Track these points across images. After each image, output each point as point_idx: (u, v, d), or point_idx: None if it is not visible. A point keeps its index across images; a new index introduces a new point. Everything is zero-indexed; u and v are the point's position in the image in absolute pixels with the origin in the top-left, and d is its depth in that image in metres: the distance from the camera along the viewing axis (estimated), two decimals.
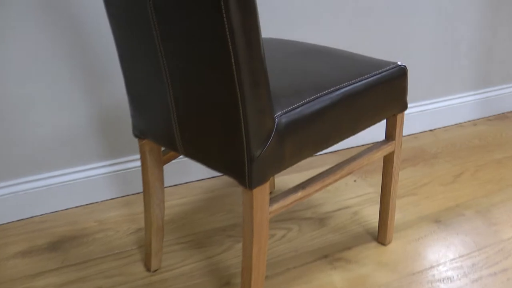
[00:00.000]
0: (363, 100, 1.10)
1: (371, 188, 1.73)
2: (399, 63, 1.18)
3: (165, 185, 1.81)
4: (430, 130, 2.17)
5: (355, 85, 1.08)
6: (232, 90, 0.86)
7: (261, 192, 0.97)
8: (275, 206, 1.02)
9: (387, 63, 1.18)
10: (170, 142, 1.09)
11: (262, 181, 0.95)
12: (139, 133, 1.19)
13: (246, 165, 0.92)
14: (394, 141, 1.26)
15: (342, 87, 1.05)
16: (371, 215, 1.58)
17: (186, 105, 0.99)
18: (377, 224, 1.53)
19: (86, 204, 1.74)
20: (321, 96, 1.02)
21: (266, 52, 1.24)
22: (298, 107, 0.98)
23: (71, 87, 1.58)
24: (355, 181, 1.78)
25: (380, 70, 1.14)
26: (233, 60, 0.83)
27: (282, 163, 0.98)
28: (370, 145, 1.23)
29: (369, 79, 1.11)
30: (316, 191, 1.10)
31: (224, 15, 0.79)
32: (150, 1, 0.91)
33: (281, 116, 0.95)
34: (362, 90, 1.09)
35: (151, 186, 1.26)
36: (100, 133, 1.67)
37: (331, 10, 1.78)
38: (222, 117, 0.91)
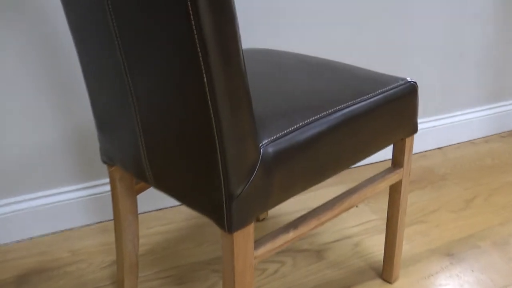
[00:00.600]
0: (367, 124, 0.93)
1: (374, 215, 1.56)
2: (408, 79, 1.02)
3: (147, 209, 1.64)
4: (439, 148, 2.01)
5: (357, 105, 0.91)
6: (205, 114, 0.70)
7: (244, 236, 0.80)
8: (261, 250, 0.86)
9: (394, 78, 1.01)
10: (139, 172, 0.92)
11: (244, 222, 0.79)
12: (107, 158, 1.02)
13: (225, 205, 0.76)
14: (402, 169, 1.09)
15: (342, 108, 0.89)
16: (375, 246, 1.41)
17: (154, 132, 0.82)
18: (381, 258, 1.36)
19: (59, 231, 1.57)
20: (316, 119, 0.85)
21: (249, 66, 1.08)
22: (289, 133, 0.81)
23: (42, 106, 1.42)
24: (356, 206, 1.62)
25: (387, 88, 0.98)
26: (205, 78, 0.67)
27: (268, 201, 0.81)
28: (373, 164, 1.05)
29: (374, 99, 0.94)
30: (311, 229, 0.93)
31: (193, 21, 0.63)
32: (109, 6, 0.75)
33: (268, 145, 0.79)
34: (366, 111, 0.92)
35: (122, 219, 1.10)
36: (75, 154, 1.51)
37: (327, 16, 1.62)
38: (195, 148, 0.75)
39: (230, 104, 0.70)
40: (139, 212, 1.63)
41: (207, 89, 0.68)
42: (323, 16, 1.62)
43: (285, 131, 0.81)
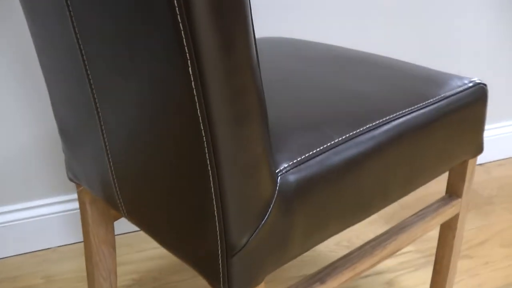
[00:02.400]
0: (425, 141, 0.67)
1: (410, 246, 1.30)
2: (476, 79, 0.76)
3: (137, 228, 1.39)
4: (480, 165, 1.74)
5: (413, 115, 0.65)
6: (193, 129, 0.44)
7: None
8: None
9: (458, 78, 0.75)
10: (110, 201, 0.67)
11: (249, 285, 0.53)
12: (73, 176, 0.77)
13: (221, 261, 0.50)
14: (460, 200, 0.83)
15: (392, 119, 0.63)
16: (413, 287, 1.15)
17: (123, 153, 0.57)
18: None
19: (34, 251, 1.33)
20: (357, 134, 0.59)
21: (263, 59, 0.82)
22: (318, 153, 0.56)
23: (13, 109, 1.18)
24: None
25: (451, 91, 0.72)
26: (191, 70, 0.41)
27: (287, 253, 0.55)
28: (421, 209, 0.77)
29: (434, 106, 0.68)
30: (341, 284, 0.67)
31: None
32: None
33: (289, 172, 0.53)
34: (425, 124, 0.67)
35: (94, 252, 0.84)
36: (52, 162, 1.27)
37: (363, 3, 1.36)
38: (177, 179, 0.50)
39: (232, 114, 0.44)
40: (126, 231, 1.38)
41: (194, 87, 0.42)
42: (355, 4, 1.36)
43: (313, 152, 0.56)
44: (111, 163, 0.63)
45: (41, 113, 1.22)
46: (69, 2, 0.53)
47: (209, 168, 0.46)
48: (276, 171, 0.53)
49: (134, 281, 1.20)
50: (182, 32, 0.41)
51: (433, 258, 1.24)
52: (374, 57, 0.84)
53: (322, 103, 0.64)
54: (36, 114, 1.22)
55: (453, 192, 0.84)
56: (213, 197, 0.47)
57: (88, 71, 0.57)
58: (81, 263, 1.28)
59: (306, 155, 0.55)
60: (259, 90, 0.45)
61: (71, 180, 0.79)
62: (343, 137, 0.58)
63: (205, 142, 0.45)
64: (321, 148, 0.56)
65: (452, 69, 1.55)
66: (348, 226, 0.62)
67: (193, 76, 0.42)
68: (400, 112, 0.64)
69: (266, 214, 0.51)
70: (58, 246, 1.35)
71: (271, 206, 0.51)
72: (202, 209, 0.49)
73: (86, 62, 0.56)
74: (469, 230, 1.36)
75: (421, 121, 0.66)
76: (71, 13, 0.53)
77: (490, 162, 1.74)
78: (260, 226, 0.51)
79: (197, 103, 0.42)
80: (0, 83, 1.16)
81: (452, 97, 0.71)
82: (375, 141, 0.61)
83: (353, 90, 0.69)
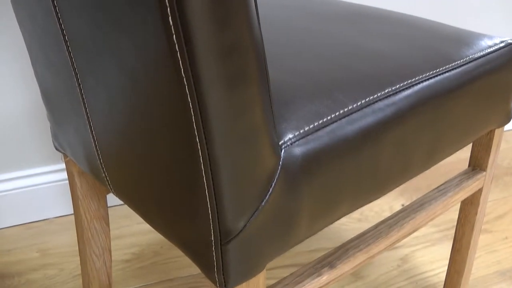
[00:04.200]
0: (451, 108, 0.59)
1: None
2: (508, 39, 0.67)
3: None
4: None
5: (437, 78, 0.57)
6: (177, 92, 0.37)
7: None
8: None
9: (488, 37, 0.67)
10: (96, 174, 0.60)
11: (248, 274, 0.46)
12: (59, 146, 0.70)
13: (215, 248, 0.43)
14: (484, 173, 0.75)
15: (415, 83, 0.55)
16: (428, 264, 1.08)
17: (106, 123, 0.49)
18: (436, 280, 1.03)
19: (30, 223, 1.27)
20: (375, 100, 0.52)
21: (263, 12, 0.74)
22: (330, 122, 0.48)
23: (5, 76, 1.10)
24: (402, 205, 1.28)
25: (480, 52, 0.63)
26: (172, 21, 0.34)
27: (292, 236, 0.48)
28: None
29: (461, 69, 0.60)
30: (353, 269, 0.61)
31: None
32: None
33: (294, 144, 0.45)
34: (451, 88, 0.58)
35: (85, 228, 0.78)
36: (48, 130, 1.20)
37: None
38: (165, 152, 0.42)
39: (224, 75, 0.37)
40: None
41: (176, 46, 0.34)
42: None
43: (324, 120, 0.48)
44: (94, 134, 0.55)
45: (31, 81, 1.14)
46: None
47: (197, 139, 0.38)
48: (280, 143, 0.45)
49: (133, 255, 1.14)
50: None
51: (449, 232, 1.17)
52: (392, 14, 0.75)
53: (334, 64, 0.56)
54: (28, 79, 1.14)
55: (477, 164, 0.76)
56: (203, 173, 0.40)
57: (66, 37, 0.49)
58: None
59: (315, 124, 0.47)
60: (257, 46, 0.37)
61: (57, 149, 0.72)
62: (358, 104, 0.50)
63: (191, 108, 0.37)
64: (333, 116, 0.48)
65: (481, 28, 1.45)
66: (362, 206, 0.55)
67: (174, 28, 0.34)
68: (423, 76, 0.56)
69: (267, 193, 0.44)
70: (55, 217, 1.29)
71: (273, 183, 0.44)
72: (191, 186, 0.42)
73: (62, 26, 0.48)
74: (487, 203, 1.29)
75: (445, 85, 0.58)
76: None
77: (509, 130, 1.66)
78: (260, 207, 0.44)
79: (180, 61, 0.34)
80: None
81: (481, 59, 0.62)
82: (395, 108, 0.53)
83: (369, 49, 0.60)
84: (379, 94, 0.52)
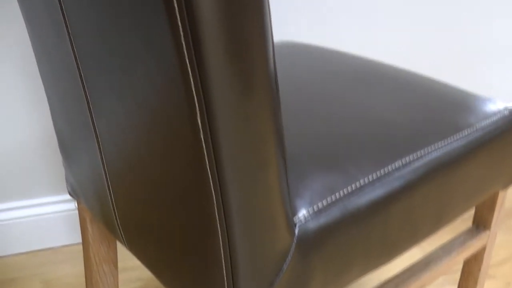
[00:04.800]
0: (458, 177, 0.61)
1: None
2: (509, 106, 0.69)
3: None
4: None
5: (445, 149, 0.59)
6: (198, 168, 0.39)
7: None
8: None
9: (491, 103, 0.69)
10: (110, 227, 0.62)
11: None
12: (73, 191, 0.72)
13: None
14: (488, 232, 0.77)
15: (424, 155, 0.57)
16: None
17: (124, 179, 0.51)
18: None
19: (35, 251, 1.28)
20: (385, 174, 0.53)
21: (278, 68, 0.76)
22: (342, 198, 0.50)
23: (21, 102, 1.12)
24: None
25: (486, 121, 0.65)
26: (193, 85, 0.36)
27: None
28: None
29: (468, 139, 0.62)
30: None
31: None
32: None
33: (309, 221, 0.47)
34: (459, 158, 0.60)
35: (94, 271, 0.79)
36: (56, 160, 1.22)
37: (380, 4, 1.29)
38: (182, 221, 0.44)
39: (246, 163, 0.38)
40: None
41: (198, 112, 0.36)
42: (373, 4, 1.28)
43: (336, 195, 0.49)
44: (111, 190, 0.57)
45: (43, 110, 1.16)
46: (65, 13, 0.47)
47: (217, 219, 0.40)
48: (295, 220, 0.47)
49: None
50: (189, 66, 0.35)
51: (452, 278, 1.18)
52: (398, 72, 0.77)
53: (345, 134, 0.58)
54: (38, 111, 1.16)
55: (481, 223, 0.78)
56: (222, 250, 0.42)
57: (86, 88, 0.51)
58: (83, 266, 1.23)
59: (328, 199, 0.49)
60: (280, 137, 0.39)
61: (70, 195, 0.74)
62: (369, 178, 0.52)
63: (213, 191, 0.39)
64: (345, 191, 0.50)
65: (482, 80, 1.47)
66: (372, 271, 0.56)
67: (202, 126, 0.36)
68: (431, 147, 0.58)
69: (281, 269, 0.45)
70: (60, 246, 1.30)
71: (288, 259, 0.46)
72: (208, 260, 0.44)
73: (83, 77, 0.50)
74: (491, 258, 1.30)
75: (453, 155, 0.60)
76: (68, 25, 0.47)
77: None
78: (275, 282, 0.45)
79: (207, 160, 0.36)
80: (2, 80, 1.11)
81: (486, 129, 0.64)
82: (404, 180, 0.54)
83: (380, 114, 0.62)
84: (389, 168, 0.54)
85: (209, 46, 0.34)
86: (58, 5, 0.47)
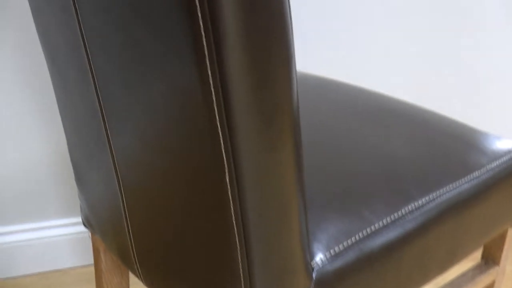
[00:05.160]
0: (469, 217, 0.62)
1: None
2: None
3: None
4: None
5: (457, 190, 0.61)
6: (221, 219, 0.40)
7: None
8: None
9: (500, 141, 0.70)
10: (125, 259, 0.63)
11: None
12: (86, 221, 0.73)
13: None
14: (497, 268, 0.78)
15: (436, 197, 0.58)
16: None
17: (141, 214, 0.53)
18: None
19: (46, 272, 1.29)
20: (399, 217, 0.55)
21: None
22: (357, 241, 0.51)
23: (35, 124, 1.14)
24: None
25: (497, 161, 0.67)
26: (219, 122, 0.37)
27: None
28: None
29: (480, 179, 0.63)
30: None
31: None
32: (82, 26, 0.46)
33: (325, 265, 0.48)
34: (470, 199, 0.62)
35: None
36: (67, 183, 1.23)
37: (384, 37, 1.31)
38: (205, 260, 0.45)
39: (266, 211, 0.40)
40: None
41: (223, 144, 0.38)
42: (376, 36, 1.30)
43: (351, 239, 0.51)
44: (128, 223, 0.58)
45: (56, 132, 1.18)
46: (83, 32, 0.48)
47: (239, 262, 0.42)
48: (313, 265, 0.48)
49: None
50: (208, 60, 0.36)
51: None
52: (409, 108, 0.78)
53: (358, 173, 0.59)
54: (51, 133, 1.18)
55: (490, 258, 0.79)
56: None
57: (106, 120, 0.53)
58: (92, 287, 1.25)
59: (344, 244, 0.50)
60: (301, 176, 0.41)
61: (84, 225, 0.75)
62: (383, 222, 0.53)
63: (236, 236, 0.40)
64: (360, 235, 0.52)
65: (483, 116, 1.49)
66: None
67: (227, 164, 0.37)
68: (443, 189, 0.60)
69: None
70: (70, 268, 1.31)
71: None
72: None
73: (103, 110, 0.52)
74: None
75: (464, 198, 0.61)
76: (85, 39, 0.49)
77: None
78: None
79: (233, 216, 0.38)
80: (15, 101, 1.13)
81: (496, 169, 0.66)
82: (417, 223, 0.56)
83: (390, 153, 0.64)
84: (402, 211, 0.55)
85: (234, 77, 0.36)
86: (78, 27, 0.49)
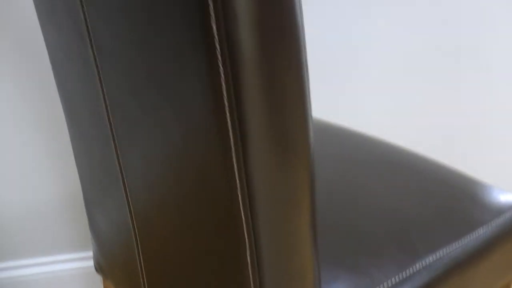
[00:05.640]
0: (471, 273, 0.64)
1: None
2: None
3: None
4: None
5: (462, 249, 0.63)
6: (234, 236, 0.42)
7: None
8: None
9: (505, 196, 0.72)
10: None
11: None
12: (99, 267, 0.75)
13: None
14: None
15: (442, 256, 0.60)
16: None
17: (156, 257, 0.54)
18: None
19: None
20: (406, 277, 0.56)
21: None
22: None
23: (41, 159, 1.16)
24: None
25: (502, 218, 0.69)
26: (235, 159, 0.39)
27: None
28: None
29: (485, 236, 0.65)
30: None
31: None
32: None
33: None
34: (473, 256, 0.63)
35: None
36: (75, 214, 1.25)
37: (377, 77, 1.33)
38: None
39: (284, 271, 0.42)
40: None
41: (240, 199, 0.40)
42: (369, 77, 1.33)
43: None
44: (143, 269, 0.60)
45: (64, 167, 1.20)
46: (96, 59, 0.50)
47: None
48: None
49: None
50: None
51: None
52: (416, 159, 0.80)
53: (365, 228, 0.61)
54: (59, 168, 1.20)
55: None
56: None
57: (120, 161, 0.55)
58: None
59: None
60: (315, 247, 0.42)
61: (96, 271, 0.77)
62: (392, 281, 0.55)
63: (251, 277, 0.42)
64: None
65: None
66: None
67: (243, 208, 0.39)
68: (448, 247, 0.62)
69: None
70: None
71: None
72: None
73: (117, 145, 0.54)
74: None
75: (470, 253, 0.63)
76: (98, 65, 0.51)
77: None
78: None
79: (249, 267, 0.40)
80: (25, 137, 1.15)
81: (501, 226, 0.68)
82: (424, 280, 0.58)
83: (399, 210, 0.66)
84: (410, 270, 0.57)
85: (250, 104, 0.38)
86: (92, 56, 0.51)
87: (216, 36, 0.35)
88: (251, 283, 0.43)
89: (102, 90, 0.52)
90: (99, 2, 0.45)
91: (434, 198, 0.70)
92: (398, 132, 1.37)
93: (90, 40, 0.50)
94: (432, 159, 0.82)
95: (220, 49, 0.35)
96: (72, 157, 1.18)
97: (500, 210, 0.70)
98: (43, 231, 1.24)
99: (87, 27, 0.49)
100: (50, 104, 1.13)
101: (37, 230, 1.24)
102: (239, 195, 0.40)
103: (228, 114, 0.38)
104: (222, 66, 0.36)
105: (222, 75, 0.36)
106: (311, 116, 0.41)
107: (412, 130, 1.39)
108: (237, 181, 0.40)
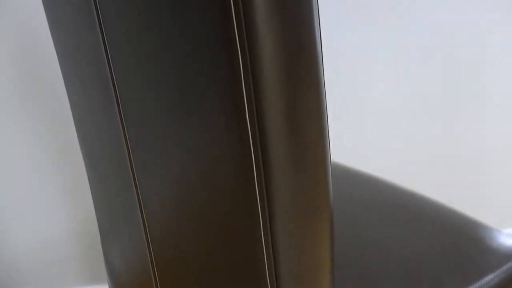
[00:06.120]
0: None
1: None
2: None
3: None
4: None
5: None
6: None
7: None
8: None
9: (510, 237, 0.75)
10: None
11: None
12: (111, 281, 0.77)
13: None
14: None
15: None
16: None
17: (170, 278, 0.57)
18: None
19: None
20: None
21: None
22: None
23: (52, 194, 1.19)
24: None
25: (508, 264, 0.71)
26: (256, 181, 0.42)
27: None
28: None
29: (494, 282, 0.67)
30: None
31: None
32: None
33: None
34: None
35: None
36: (90, 250, 1.27)
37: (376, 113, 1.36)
38: None
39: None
40: None
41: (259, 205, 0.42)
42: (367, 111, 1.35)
43: None
44: (155, 271, 0.62)
45: (78, 200, 1.23)
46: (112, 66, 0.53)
47: None
48: None
49: None
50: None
51: None
52: (426, 204, 0.83)
53: (382, 278, 0.63)
54: (73, 201, 1.23)
55: None
56: None
57: (141, 203, 0.57)
58: None
59: None
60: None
61: None
62: None
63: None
64: None
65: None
66: None
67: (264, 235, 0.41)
68: None
69: None
70: None
71: None
72: None
73: (138, 188, 0.57)
74: None
75: None
76: (118, 96, 0.54)
77: None
78: None
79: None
80: (36, 170, 1.18)
81: (509, 271, 0.70)
82: None
83: (411, 257, 0.68)
84: None
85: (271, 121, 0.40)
86: (106, 62, 0.54)
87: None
88: None
89: (124, 133, 0.55)
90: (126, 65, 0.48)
91: (444, 244, 0.72)
92: (401, 175, 1.39)
93: (115, 89, 0.53)
94: (441, 203, 0.84)
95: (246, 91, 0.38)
96: (86, 192, 1.20)
97: (508, 256, 0.72)
98: (55, 265, 1.26)
99: (112, 77, 0.53)
100: (67, 139, 1.16)
101: (50, 263, 1.26)
102: (263, 242, 0.43)
103: (255, 173, 0.40)
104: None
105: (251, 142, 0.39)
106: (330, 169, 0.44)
107: (414, 163, 1.41)
108: (262, 228, 0.42)
